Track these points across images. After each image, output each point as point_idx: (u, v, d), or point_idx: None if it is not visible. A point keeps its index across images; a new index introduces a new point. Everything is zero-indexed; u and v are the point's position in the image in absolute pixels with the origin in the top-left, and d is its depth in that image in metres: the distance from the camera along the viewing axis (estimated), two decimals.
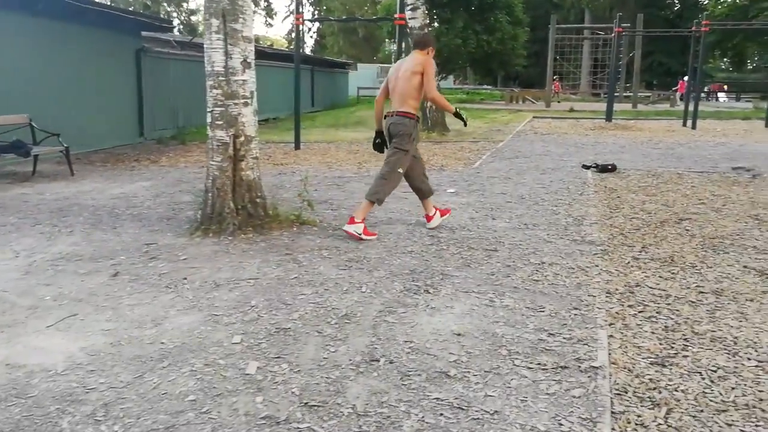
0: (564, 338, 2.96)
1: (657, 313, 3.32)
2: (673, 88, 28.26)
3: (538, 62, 40.10)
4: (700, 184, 7.65)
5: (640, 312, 3.33)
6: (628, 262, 4.26)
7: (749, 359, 2.77)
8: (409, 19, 14.07)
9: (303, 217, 5.23)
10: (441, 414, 2.27)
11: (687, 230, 5.27)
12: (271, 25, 60.81)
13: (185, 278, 3.83)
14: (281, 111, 18.52)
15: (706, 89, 52.48)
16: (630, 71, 27.93)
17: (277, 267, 4.05)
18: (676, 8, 50.03)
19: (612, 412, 2.30)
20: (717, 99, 41.60)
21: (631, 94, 26.77)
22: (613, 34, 17.00)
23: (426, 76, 4.78)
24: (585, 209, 6.08)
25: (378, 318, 3.19)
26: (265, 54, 19.62)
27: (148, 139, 12.48)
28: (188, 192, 6.68)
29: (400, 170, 4.94)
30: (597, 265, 4.16)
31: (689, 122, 15.81)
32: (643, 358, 2.76)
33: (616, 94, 29.49)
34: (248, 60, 4.92)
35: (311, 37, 60.60)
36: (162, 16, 46.02)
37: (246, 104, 4.93)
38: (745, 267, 4.18)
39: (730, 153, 10.83)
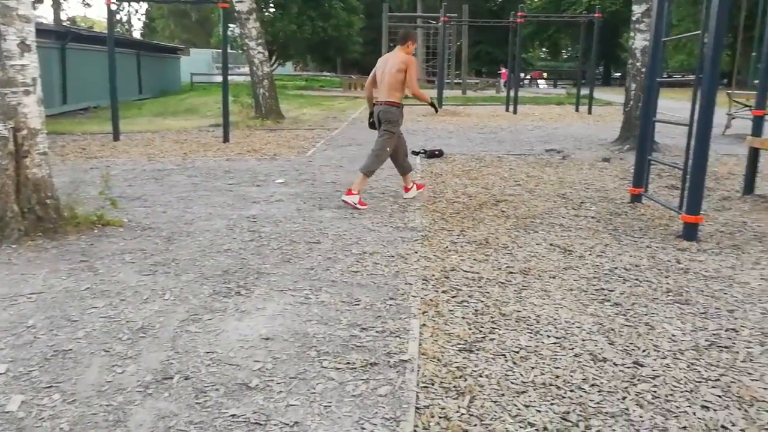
0: (377, 332, 2.88)
1: (469, 297, 3.37)
2: (499, 73, 30.27)
3: (376, 49, 40.85)
4: (518, 166, 8.12)
5: (453, 297, 3.36)
6: (447, 247, 4.34)
7: (549, 337, 2.88)
8: (236, 2, 13.49)
9: (106, 218, 4.71)
10: None
11: (503, 212, 5.52)
12: (89, 5, 55.62)
13: None
14: (103, 99, 16.98)
15: (527, 76, 57.02)
16: (459, 59, 29.37)
17: (68, 277, 3.57)
18: (499, 0, 53.54)
19: (416, 408, 2.24)
20: (537, 86, 45.22)
21: (461, 81, 28.13)
22: (439, 23, 17.63)
23: (409, 74, 5.55)
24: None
25: (179, 329, 2.89)
26: (82, 37, 17.87)
27: None
28: None
29: (388, 149, 5.75)
30: (416, 252, 4.18)
31: (511, 108, 16.92)
32: (452, 346, 2.76)
33: (447, 81, 30.91)
34: (27, 42, 4.28)
35: (139, 19, 56.56)
36: None
37: (27, 93, 4.30)
38: (551, 245, 4.43)
39: (545, 136, 11.70)
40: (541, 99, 22.72)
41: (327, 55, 34.77)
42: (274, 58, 31.34)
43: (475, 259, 4.05)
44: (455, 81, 28.31)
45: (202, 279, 3.59)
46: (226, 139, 10.19)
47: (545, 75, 52.43)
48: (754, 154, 6.25)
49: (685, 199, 4.74)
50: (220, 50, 14.87)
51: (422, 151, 8.99)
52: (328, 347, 2.72)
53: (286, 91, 24.63)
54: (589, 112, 16.80)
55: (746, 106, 11.33)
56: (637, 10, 9.13)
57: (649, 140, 5.85)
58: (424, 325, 2.98)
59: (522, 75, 58.27)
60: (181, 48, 32.80)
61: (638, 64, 9.17)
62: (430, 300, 3.30)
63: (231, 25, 23.66)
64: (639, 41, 9.14)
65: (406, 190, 6.05)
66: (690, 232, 4.60)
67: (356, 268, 3.81)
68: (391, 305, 3.22)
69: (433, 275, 3.71)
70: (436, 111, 6.54)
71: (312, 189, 6.41)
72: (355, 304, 3.22)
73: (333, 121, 14.38)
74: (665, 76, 20.38)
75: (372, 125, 6.00)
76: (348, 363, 2.56)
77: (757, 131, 6.19)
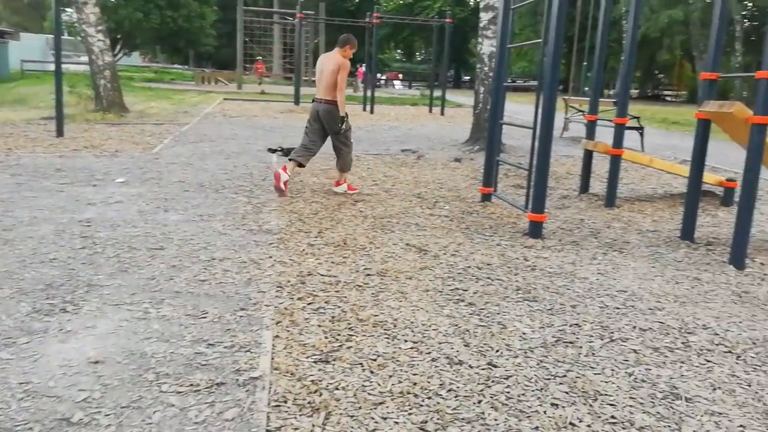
0: (225, 347, 2.65)
1: (326, 303, 3.24)
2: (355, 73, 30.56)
3: (231, 43, 39.52)
4: (375, 166, 8.15)
5: (309, 304, 3.20)
6: (303, 250, 4.17)
7: (406, 342, 2.82)
8: None
9: None
10: None
11: (361, 212, 5.46)
12: None
13: None
14: None
15: (383, 77, 58.32)
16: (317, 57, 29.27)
17: None
18: (356, 0, 54.18)
19: (267, 431, 2.06)
20: (394, 86, 46.37)
21: None
22: (295, 20, 17.38)
23: (340, 76, 5.91)
24: (266, 195, 5.91)
25: None
26: None
27: None
28: None
29: (352, 141, 6.37)
30: (271, 256, 3.97)
31: (368, 107, 17.10)
32: (307, 358, 2.60)
33: (305, 78, 30.63)
34: None
35: None
36: None
37: None
38: (407, 245, 4.43)
39: (400, 136, 11.92)
40: (397, 99, 23.25)
41: (178, 46, 33.02)
42: (118, 47, 29.17)
43: (332, 262, 3.93)
44: (313, 79, 28.13)
45: (20, 295, 3.12)
46: (60, 134, 9.21)
47: (401, 76, 53.94)
48: (588, 156, 6.75)
49: (530, 198, 4.97)
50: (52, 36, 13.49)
51: (279, 149, 8.71)
52: (169, 368, 2.45)
53: (132, 83, 23.00)
54: (442, 113, 17.44)
55: (580, 111, 12.34)
56: (485, 17, 9.56)
57: (497, 142, 6.10)
58: (277, 336, 2.80)
59: (379, 75, 59.75)
60: (9, 32, 29.48)
61: (486, 68, 9.60)
62: (285, 308, 3.12)
63: (68, 9, 21.63)
64: (486, 47, 9.58)
65: (337, 184, 6.33)
66: (535, 230, 4.83)
67: (204, 277, 3.53)
68: (241, 316, 3.00)
69: (289, 281, 3.53)
70: (340, 131, 6.12)
71: (157, 189, 5.94)
72: (202, 317, 2.96)
73: (183, 115, 13.60)
74: (510, 81, 21.76)
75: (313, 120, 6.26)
76: (191, 385, 2.32)
77: (590, 135, 6.69)
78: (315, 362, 2.57)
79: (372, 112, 16.84)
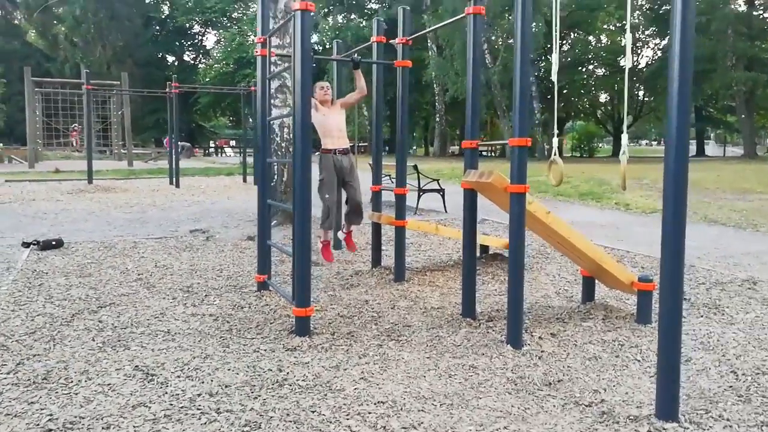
0: None
1: None
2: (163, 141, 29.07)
3: (22, 116, 35.97)
4: (152, 253, 7.14)
5: None
6: None
7: None
8: None
9: None
10: None
11: (100, 321, 4.47)
12: None
13: None
14: None
15: (213, 144, 56.62)
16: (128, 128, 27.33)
17: None
18: (174, 69, 52.53)
19: None
20: (226, 153, 44.95)
21: (126, 151, 26.11)
22: (83, 91, 15.88)
23: None
24: None
25: None
26: None
27: None
28: None
29: (327, 196, 5.68)
30: None
31: (175, 180, 15.90)
32: None
33: (116, 151, 28.46)
34: None
35: None
36: None
37: None
38: (136, 368, 3.54)
39: (198, 213, 10.94)
40: (212, 170, 22.17)
41: None
42: None
43: (7, 414, 2.92)
44: (122, 152, 26.15)
45: None
46: None
47: (232, 143, 52.83)
48: (377, 228, 6.36)
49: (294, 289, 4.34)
50: None
51: (35, 243, 7.37)
52: None
53: None
54: (255, 183, 16.70)
55: (387, 175, 12.27)
56: (273, 85, 9.10)
57: (268, 222, 5.46)
58: None
59: (212, 144, 57.93)
60: None
61: (278, 138, 9.10)
62: None
63: None
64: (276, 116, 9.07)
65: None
66: (302, 327, 4.18)
67: None
68: None
69: None
70: None
71: None
72: None
73: None
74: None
75: None
76: None
77: (376, 206, 6.32)
78: None
79: (178, 185, 15.64)
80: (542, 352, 3.91)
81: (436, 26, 6.07)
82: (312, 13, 4.14)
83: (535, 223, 4.37)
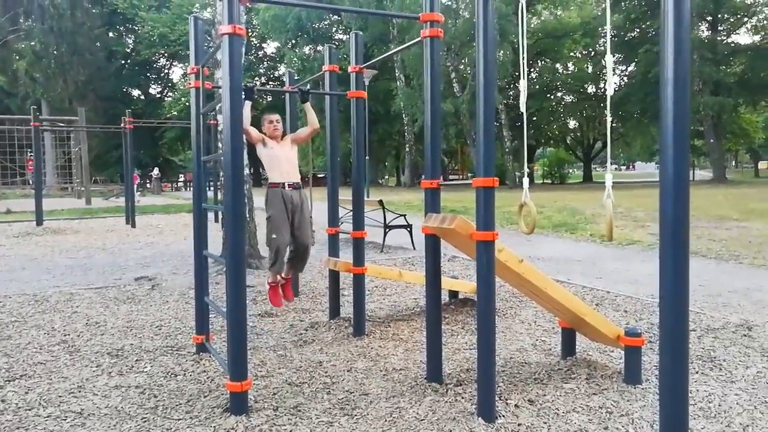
0: None
1: None
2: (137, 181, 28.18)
3: None
4: (89, 306, 6.42)
5: None
6: None
7: None
8: None
9: None
10: None
11: (2, 402, 3.77)
12: None
13: None
14: None
15: (183, 178, 55.55)
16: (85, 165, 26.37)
17: None
18: (140, 103, 51.61)
19: None
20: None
21: (84, 188, 25.15)
22: (31, 127, 15.07)
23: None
24: None
25: None
26: None
27: None
28: None
29: (273, 236, 5.22)
30: None
31: (131, 219, 15.11)
32: None
33: (77, 188, 27.45)
34: None
35: None
36: None
37: None
38: None
39: (150, 256, 10.20)
40: (173, 207, 21.34)
41: None
42: None
43: None
44: (80, 188, 25.18)
45: None
46: None
47: None
48: (334, 276, 5.76)
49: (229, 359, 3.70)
50: None
51: None
52: None
53: None
54: (216, 221, 15.97)
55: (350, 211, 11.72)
56: (221, 120, 8.53)
57: (205, 277, 4.84)
58: None
59: (180, 177, 56.72)
60: None
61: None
62: None
63: None
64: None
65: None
66: (237, 405, 3.53)
67: None
68: None
69: None
70: None
71: None
72: None
73: None
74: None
75: None
76: None
77: (333, 251, 5.74)
78: None
79: (134, 225, 14.84)
80: (519, 425, 3.34)
81: (390, 52, 5.59)
82: (243, 39, 3.60)
83: (507, 272, 3.83)
